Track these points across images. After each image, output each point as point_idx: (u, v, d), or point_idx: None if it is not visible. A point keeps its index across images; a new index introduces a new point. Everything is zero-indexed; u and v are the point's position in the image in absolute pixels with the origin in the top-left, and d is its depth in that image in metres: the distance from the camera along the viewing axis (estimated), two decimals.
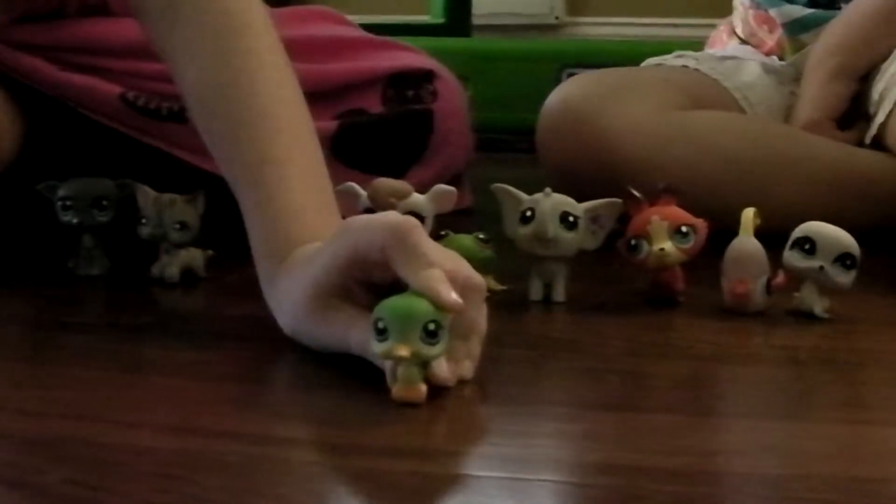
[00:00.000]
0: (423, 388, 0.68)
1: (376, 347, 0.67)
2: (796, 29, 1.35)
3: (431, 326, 0.66)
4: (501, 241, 0.94)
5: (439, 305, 0.66)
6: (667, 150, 1.17)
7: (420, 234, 0.69)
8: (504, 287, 0.96)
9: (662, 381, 0.76)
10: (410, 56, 1.35)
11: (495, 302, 0.93)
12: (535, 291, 0.95)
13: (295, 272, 0.76)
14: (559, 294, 0.94)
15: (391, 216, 0.72)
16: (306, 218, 0.81)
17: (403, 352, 0.66)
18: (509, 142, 1.91)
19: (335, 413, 0.68)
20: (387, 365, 0.69)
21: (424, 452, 0.62)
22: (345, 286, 0.73)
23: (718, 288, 0.91)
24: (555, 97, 1.23)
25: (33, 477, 0.57)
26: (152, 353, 0.81)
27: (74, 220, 1.01)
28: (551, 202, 0.92)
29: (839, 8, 1.33)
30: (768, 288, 0.90)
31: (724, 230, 0.93)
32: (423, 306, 0.66)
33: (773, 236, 0.90)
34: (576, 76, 1.27)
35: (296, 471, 0.59)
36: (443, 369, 0.69)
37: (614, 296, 0.97)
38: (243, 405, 0.70)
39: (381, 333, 0.67)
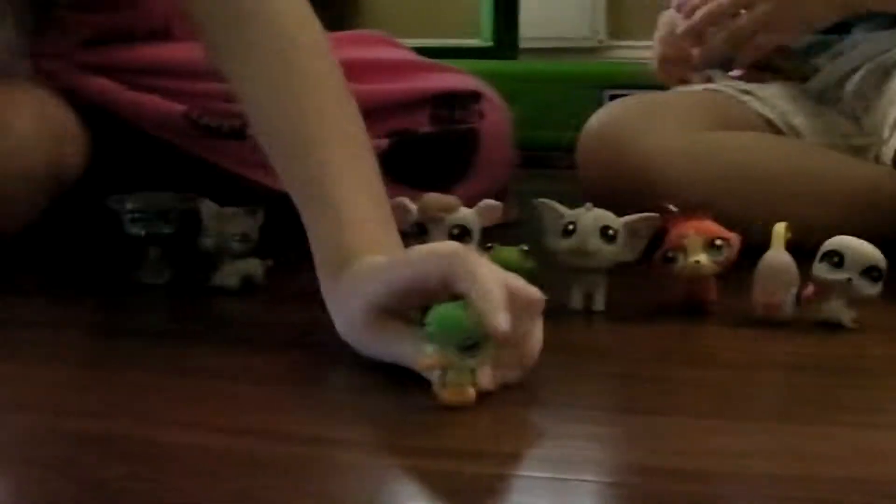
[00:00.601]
0: (472, 392, 0.68)
1: (425, 347, 0.68)
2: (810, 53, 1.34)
3: (468, 342, 0.67)
4: (543, 252, 0.94)
5: (486, 328, 0.66)
6: (696, 169, 1.16)
7: (476, 259, 0.69)
8: (546, 296, 0.95)
9: (691, 388, 0.74)
10: (458, 78, 1.35)
11: None
12: (576, 301, 0.94)
13: (354, 285, 0.76)
14: (599, 303, 0.94)
15: (448, 246, 0.72)
16: (366, 229, 0.81)
17: (430, 360, 0.67)
18: (551, 159, 1.90)
19: (384, 415, 0.68)
20: (434, 371, 0.68)
21: (470, 453, 0.61)
22: (398, 309, 0.73)
23: (748, 298, 0.90)
24: (592, 122, 1.23)
25: (93, 472, 0.57)
26: (209, 358, 0.80)
27: (141, 232, 1.01)
28: (592, 216, 0.91)
29: (849, 32, 1.31)
30: (798, 299, 0.89)
31: (753, 244, 0.92)
32: (460, 321, 0.66)
33: (798, 250, 0.89)
34: (611, 102, 1.27)
35: (344, 471, 0.59)
36: (484, 378, 0.68)
37: (649, 305, 0.96)
38: (295, 407, 0.70)
39: (429, 337, 0.67)
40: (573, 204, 0.93)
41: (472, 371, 0.67)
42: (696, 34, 1.30)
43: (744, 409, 0.69)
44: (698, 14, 1.29)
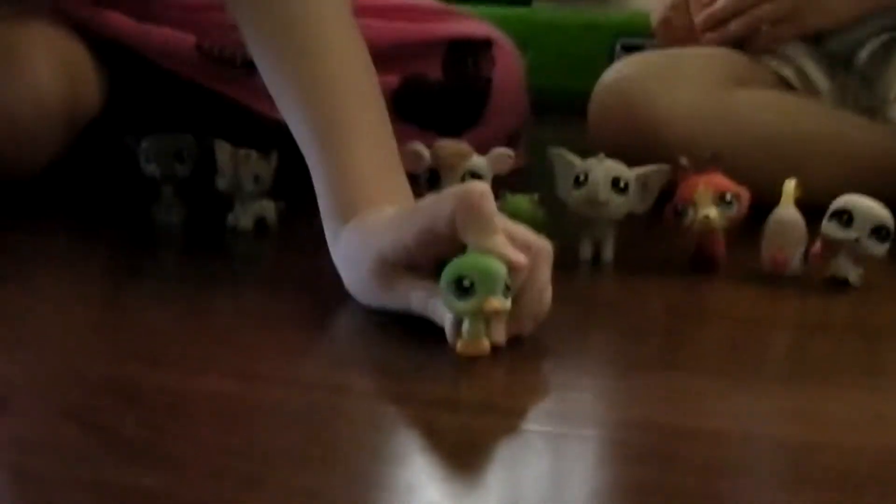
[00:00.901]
0: (487, 343, 0.66)
1: (459, 305, 0.65)
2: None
3: (508, 282, 0.65)
4: (554, 201, 0.92)
5: (509, 265, 0.65)
6: (709, 128, 1.14)
7: (491, 203, 0.67)
8: (555, 244, 0.94)
9: (700, 344, 0.73)
10: (471, 24, 1.32)
11: None
12: (585, 251, 0.92)
13: (362, 239, 0.74)
14: (607, 254, 0.92)
15: (462, 186, 0.69)
16: (372, 179, 0.79)
17: (498, 304, 0.64)
18: (564, 105, 1.87)
19: (392, 363, 0.67)
20: (448, 320, 0.67)
21: (480, 406, 0.60)
22: (409, 261, 0.71)
23: (757, 254, 0.88)
24: (605, 80, 1.20)
25: (104, 419, 0.56)
26: (222, 300, 0.79)
27: (156, 172, 1.00)
28: (604, 167, 0.89)
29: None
30: (806, 256, 0.87)
31: (762, 203, 0.90)
32: (498, 264, 0.65)
33: (806, 208, 0.87)
34: (624, 59, 1.24)
35: (351, 420, 0.58)
36: (497, 333, 0.67)
37: (659, 258, 0.94)
38: (304, 352, 0.69)
39: (465, 291, 0.65)
40: (585, 153, 0.92)
41: (486, 323, 0.66)
42: (716, 21, 1.27)
43: (752, 368, 0.68)
44: (721, 3, 1.25)
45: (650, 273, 0.89)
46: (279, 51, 0.84)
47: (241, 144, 0.98)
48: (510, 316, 0.67)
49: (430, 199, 0.70)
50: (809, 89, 1.24)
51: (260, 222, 0.99)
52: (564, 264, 0.89)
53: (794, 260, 0.87)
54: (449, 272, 0.65)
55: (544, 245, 0.70)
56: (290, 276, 0.87)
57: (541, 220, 0.93)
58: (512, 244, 0.66)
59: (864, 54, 1.26)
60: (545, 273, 0.70)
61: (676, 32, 1.34)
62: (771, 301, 0.83)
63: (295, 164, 0.84)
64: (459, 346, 0.66)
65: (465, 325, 0.66)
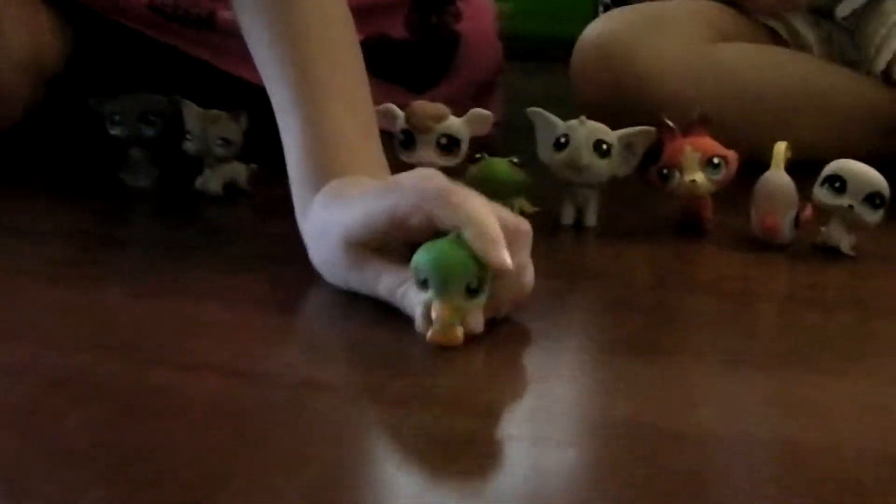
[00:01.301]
0: (461, 331, 0.60)
1: (417, 297, 0.60)
2: None
3: (474, 284, 0.59)
4: (533, 161, 0.86)
5: (490, 265, 0.58)
6: (694, 84, 1.07)
7: (462, 193, 0.61)
8: (536, 209, 0.88)
9: (688, 320, 0.67)
10: None
11: None
12: (567, 216, 0.86)
13: (329, 212, 0.68)
14: (590, 219, 0.86)
15: (432, 179, 0.63)
16: (346, 145, 0.72)
17: (446, 312, 0.59)
18: (547, 53, 1.80)
19: (362, 352, 0.61)
20: (417, 307, 0.61)
21: (452, 403, 0.54)
22: (379, 243, 0.65)
23: (745, 218, 0.83)
24: (586, 37, 1.12)
25: (60, 419, 0.50)
26: (187, 279, 0.72)
27: (122, 134, 0.93)
28: (586, 130, 0.83)
29: None
30: (797, 221, 0.81)
31: (750, 161, 0.84)
32: (464, 264, 0.59)
33: (795, 166, 0.81)
34: (606, 14, 1.16)
35: (318, 417, 0.52)
36: (478, 322, 0.61)
37: (643, 222, 0.88)
38: (271, 341, 0.63)
39: (423, 284, 0.60)
40: (568, 107, 0.85)
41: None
42: None
43: (740, 351, 0.62)
44: None
45: (635, 239, 0.83)
46: (256, 2, 0.77)
47: (212, 104, 0.92)
48: (490, 299, 0.61)
49: (404, 182, 0.64)
50: (797, 42, 1.17)
51: (231, 186, 0.93)
52: (546, 230, 0.85)
53: (785, 226, 0.81)
54: (413, 258, 0.60)
55: (522, 225, 0.63)
56: (260, 247, 0.80)
57: (520, 183, 0.87)
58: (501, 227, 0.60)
59: (845, 7, 1.18)
60: (524, 254, 0.63)
61: None
62: (759, 271, 0.77)
63: (268, 123, 0.78)
64: (430, 334, 0.60)
65: (435, 314, 0.60)
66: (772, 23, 1.18)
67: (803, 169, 0.81)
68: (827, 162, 0.80)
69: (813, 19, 1.17)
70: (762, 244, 0.81)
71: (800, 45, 1.17)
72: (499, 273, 0.59)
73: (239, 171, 0.93)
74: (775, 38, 1.17)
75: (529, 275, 0.64)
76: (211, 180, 0.91)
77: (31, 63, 1.00)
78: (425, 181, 0.63)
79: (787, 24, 1.17)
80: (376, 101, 0.88)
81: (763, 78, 1.09)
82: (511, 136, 1.04)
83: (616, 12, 1.15)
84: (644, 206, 0.90)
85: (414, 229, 0.62)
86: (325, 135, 0.72)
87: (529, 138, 0.87)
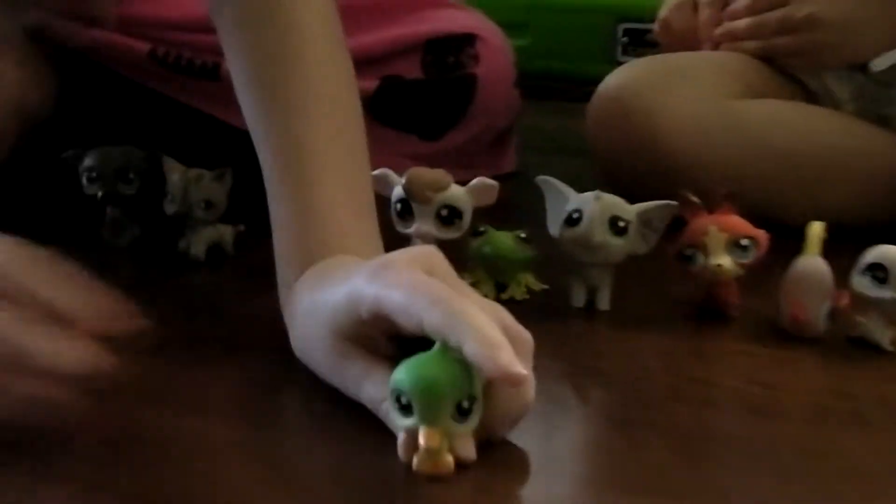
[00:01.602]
0: (451, 459, 0.50)
1: (399, 420, 0.51)
2: None
3: (465, 404, 0.50)
4: (544, 228, 0.77)
5: (498, 377, 0.49)
6: (718, 144, 0.97)
7: (458, 300, 0.51)
8: (544, 286, 0.79)
9: (709, 451, 0.56)
10: (453, 16, 1.14)
11: (533, 305, 0.77)
12: (577, 298, 0.77)
13: (313, 300, 0.59)
14: (603, 303, 0.76)
15: (420, 280, 0.53)
16: (336, 220, 0.64)
17: (433, 440, 0.49)
18: (564, 90, 1.71)
19: (342, 473, 0.52)
20: (400, 433, 0.51)
21: None
22: (366, 335, 0.55)
23: (770, 299, 0.73)
24: (603, 88, 1.02)
25: None
26: (168, 371, 0.64)
27: (99, 192, 0.84)
28: (601, 205, 0.73)
29: None
30: (832, 312, 0.71)
31: (773, 223, 0.75)
32: (453, 383, 0.49)
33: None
34: (627, 64, 1.06)
35: None
36: (469, 449, 0.52)
37: (661, 306, 0.78)
38: (239, 460, 0.53)
39: (406, 408, 0.50)
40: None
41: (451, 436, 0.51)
42: (731, 37, 1.09)
43: (773, 496, 0.52)
44: (743, 23, 1.08)
45: (650, 329, 0.73)
46: (252, 61, 0.69)
47: (201, 156, 0.83)
48: (484, 420, 0.52)
49: (396, 263, 0.54)
50: (829, 98, 1.07)
51: (215, 248, 0.84)
52: (554, 313, 0.75)
53: (819, 319, 0.71)
54: (393, 377, 0.50)
55: (523, 333, 0.54)
56: (242, 323, 0.71)
57: (527, 260, 0.78)
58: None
59: (881, 61, 1.08)
60: (527, 367, 0.54)
61: (676, 35, 1.17)
62: (788, 374, 0.66)
63: (259, 179, 0.69)
64: (416, 463, 0.50)
65: (421, 441, 0.50)
66: (803, 77, 1.08)
67: (834, 238, 0.72)
68: (856, 229, 0.70)
69: (846, 73, 1.07)
70: (791, 337, 0.71)
71: (832, 101, 1.07)
72: (510, 383, 0.49)
73: (224, 234, 0.84)
74: (806, 93, 1.08)
75: (530, 390, 0.54)
76: (193, 244, 0.83)
77: (19, 105, 0.93)
78: (416, 277, 0.53)
79: (818, 78, 1.08)
80: (387, 152, 0.80)
81: (791, 140, 0.99)
82: (524, 191, 0.94)
83: (635, 63, 1.05)
84: (662, 286, 0.80)
85: (400, 327, 0.52)
86: (314, 212, 0.64)
87: (539, 201, 0.78)
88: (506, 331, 0.51)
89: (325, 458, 0.54)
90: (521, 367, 0.48)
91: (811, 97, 1.07)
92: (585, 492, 0.51)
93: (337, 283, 0.57)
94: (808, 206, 0.93)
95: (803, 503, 0.51)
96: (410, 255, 0.56)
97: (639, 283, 0.80)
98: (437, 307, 0.50)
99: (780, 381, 0.65)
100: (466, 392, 0.50)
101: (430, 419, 0.49)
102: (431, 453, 0.50)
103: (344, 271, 0.58)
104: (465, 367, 0.49)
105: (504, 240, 0.77)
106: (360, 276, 0.55)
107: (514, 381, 0.48)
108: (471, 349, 0.49)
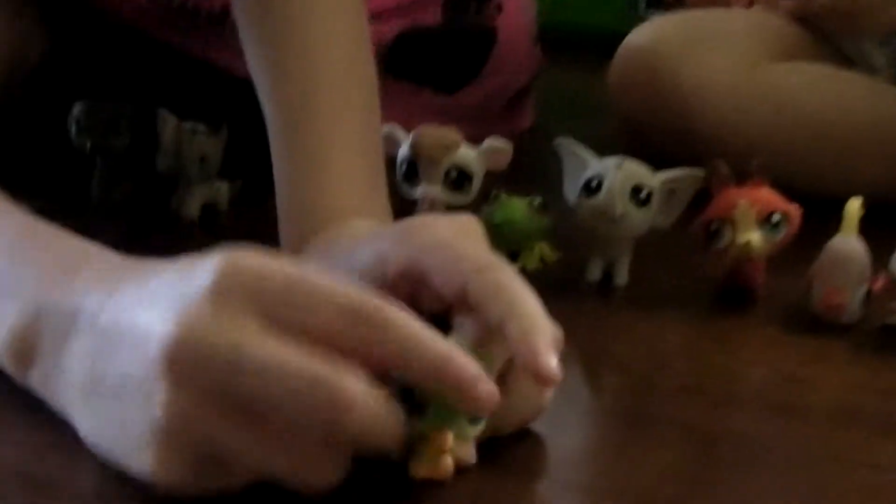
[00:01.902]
0: (450, 462, 0.44)
1: (407, 422, 0.42)
2: None
3: None
4: (560, 195, 0.70)
5: (534, 374, 0.42)
6: (747, 109, 0.90)
7: (511, 276, 0.45)
8: (558, 256, 0.72)
9: (731, 460, 0.49)
10: None
11: (546, 277, 0.70)
12: (594, 272, 0.70)
13: (331, 260, 0.53)
14: (621, 277, 0.70)
15: (466, 246, 0.46)
16: (347, 182, 0.59)
17: (444, 442, 0.43)
18: (584, 45, 1.63)
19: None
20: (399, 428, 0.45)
21: None
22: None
23: (799, 280, 0.66)
24: (629, 43, 0.95)
25: None
26: None
27: (87, 144, 0.77)
28: (623, 174, 0.67)
29: None
30: (867, 296, 0.65)
31: (802, 194, 0.69)
32: None
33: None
34: (653, 20, 0.99)
35: None
36: (468, 453, 0.45)
37: (682, 285, 0.71)
38: None
39: (417, 407, 0.42)
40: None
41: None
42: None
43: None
44: None
45: (670, 310, 0.67)
46: (261, 6, 0.63)
47: (198, 110, 0.77)
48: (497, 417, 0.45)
49: (427, 223, 0.48)
50: (866, 63, 0.99)
51: (210, 208, 0.77)
52: (568, 287, 0.69)
53: (853, 304, 0.64)
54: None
55: (553, 330, 0.47)
56: None
57: (541, 229, 0.71)
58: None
59: None
60: None
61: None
62: (818, 367, 0.60)
63: (258, 135, 0.63)
64: (413, 467, 0.44)
65: (422, 442, 0.44)
66: (840, 42, 1.00)
67: (869, 217, 0.65)
68: (893, 206, 0.63)
69: (884, 39, 0.99)
70: (820, 324, 0.65)
71: (868, 67, 0.99)
72: (538, 379, 0.42)
73: (219, 191, 0.78)
74: (842, 58, 1.00)
75: (549, 394, 0.48)
76: (187, 203, 0.76)
77: (8, 53, 0.86)
78: (459, 241, 0.47)
79: (856, 43, 1.00)
80: (399, 106, 0.74)
81: (825, 108, 0.91)
82: (541, 152, 0.87)
83: (663, 19, 0.98)
84: (684, 263, 0.73)
85: (433, 291, 0.45)
86: (327, 170, 0.59)
87: (557, 160, 0.71)
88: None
89: None
90: (557, 368, 0.42)
91: (847, 63, 0.99)
92: (588, 501, 0.45)
93: (360, 245, 0.51)
94: (842, 178, 0.86)
95: None
96: (447, 219, 0.49)
97: (659, 258, 0.73)
98: (485, 275, 0.44)
99: (807, 376, 0.59)
100: None
101: (446, 420, 0.43)
102: (437, 456, 0.43)
103: (368, 233, 0.53)
104: (485, 364, 0.43)
105: (517, 207, 0.70)
106: (388, 237, 0.49)
107: (543, 379, 0.42)
108: (514, 328, 0.42)
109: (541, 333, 0.42)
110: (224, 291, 0.38)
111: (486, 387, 0.40)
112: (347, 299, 0.39)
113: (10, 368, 0.46)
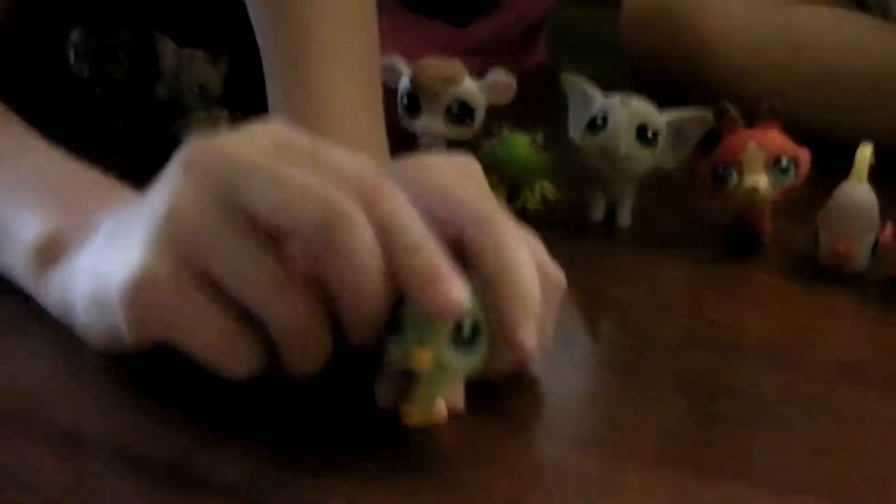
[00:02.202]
0: (443, 408, 0.41)
1: (387, 345, 0.40)
2: None
3: (467, 330, 0.39)
4: (565, 132, 0.67)
5: (508, 340, 0.40)
6: (764, 52, 0.85)
7: (512, 225, 0.43)
8: (560, 195, 0.69)
9: (734, 415, 0.47)
10: None
11: (547, 216, 0.67)
12: (597, 211, 0.67)
13: None
14: (624, 218, 0.67)
15: (468, 188, 0.44)
16: (341, 114, 0.57)
17: (421, 359, 0.39)
18: None
19: (311, 426, 0.43)
20: (382, 367, 0.42)
21: None
22: None
23: (808, 227, 0.63)
24: None
25: None
26: None
27: (85, 72, 0.74)
28: (628, 111, 0.63)
29: None
30: (875, 246, 0.62)
31: (819, 143, 0.65)
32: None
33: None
34: None
35: None
36: (455, 394, 0.42)
37: (687, 227, 0.68)
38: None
39: (397, 327, 0.40)
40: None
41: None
42: None
43: (806, 473, 0.43)
44: None
45: (674, 253, 0.64)
46: None
47: (200, 37, 0.73)
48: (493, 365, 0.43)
49: (426, 162, 0.46)
50: (880, 4, 0.95)
51: None
52: (571, 226, 0.66)
53: (861, 252, 0.61)
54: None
55: (555, 276, 0.45)
56: None
57: (543, 167, 0.68)
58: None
59: None
60: (551, 315, 0.46)
61: None
62: (822, 320, 0.57)
63: (259, 64, 0.60)
64: (404, 412, 0.41)
65: (418, 384, 0.41)
66: None
67: (881, 164, 0.62)
68: None
69: None
70: (826, 273, 0.62)
71: (881, 10, 0.94)
72: (514, 348, 0.40)
73: (219, 119, 0.74)
74: (858, 3, 0.95)
75: (547, 339, 0.45)
76: (185, 131, 0.73)
77: None
78: (461, 182, 0.44)
79: None
80: (408, 39, 0.71)
81: (840, 51, 0.86)
82: (548, 88, 0.83)
83: None
84: (689, 205, 0.70)
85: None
86: (317, 99, 0.57)
87: (563, 101, 0.68)
88: (538, 267, 0.43)
89: (294, 399, 0.45)
90: (534, 344, 0.40)
91: (863, 7, 0.95)
92: (584, 457, 0.43)
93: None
94: (856, 124, 0.82)
95: (839, 479, 0.42)
96: (448, 162, 0.47)
97: (665, 200, 0.70)
98: (482, 228, 0.41)
99: (812, 327, 0.56)
100: (471, 313, 0.39)
101: (424, 337, 0.39)
102: (427, 394, 0.41)
103: None
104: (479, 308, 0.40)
105: (519, 143, 0.67)
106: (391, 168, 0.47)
107: (519, 352, 0.40)
108: (500, 292, 0.40)
109: (525, 303, 0.40)
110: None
111: (446, 287, 0.38)
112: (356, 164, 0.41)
113: (34, 271, 0.47)
